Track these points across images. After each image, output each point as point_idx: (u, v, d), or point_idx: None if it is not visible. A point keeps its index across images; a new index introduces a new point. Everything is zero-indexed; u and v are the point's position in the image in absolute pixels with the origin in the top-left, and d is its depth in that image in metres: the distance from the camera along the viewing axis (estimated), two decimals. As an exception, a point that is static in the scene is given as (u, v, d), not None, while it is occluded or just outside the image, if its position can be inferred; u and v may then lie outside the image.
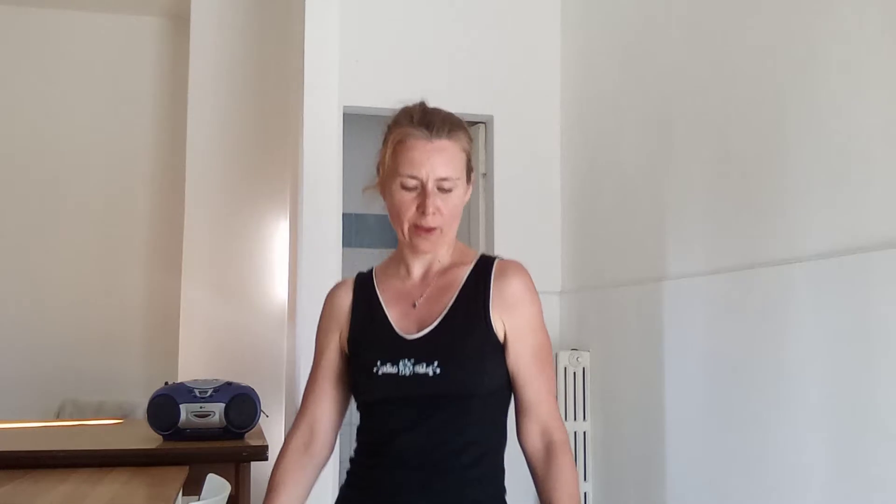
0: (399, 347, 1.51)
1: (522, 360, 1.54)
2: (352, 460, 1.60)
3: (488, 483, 1.53)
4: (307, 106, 3.11)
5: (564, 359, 3.48)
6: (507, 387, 1.56)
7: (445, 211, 1.52)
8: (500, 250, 3.64)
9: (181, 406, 2.47)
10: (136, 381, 4.53)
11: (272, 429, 3.10)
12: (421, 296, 1.57)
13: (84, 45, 4.89)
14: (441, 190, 1.51)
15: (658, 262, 3.05)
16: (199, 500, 2.05)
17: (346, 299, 1.64)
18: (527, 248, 3.66)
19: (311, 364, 1.67)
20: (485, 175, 3.85)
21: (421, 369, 1.47)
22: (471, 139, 1.60)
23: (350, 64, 3.43)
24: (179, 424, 2.47)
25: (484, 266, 1.58)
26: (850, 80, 2.21)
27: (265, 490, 1.60)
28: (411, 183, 1.51)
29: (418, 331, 1.53)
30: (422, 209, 1.50)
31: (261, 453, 2.41)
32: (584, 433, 3.49)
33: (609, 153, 3.51)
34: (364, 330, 1.59)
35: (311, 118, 3.09)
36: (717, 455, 2.68)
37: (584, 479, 3.47)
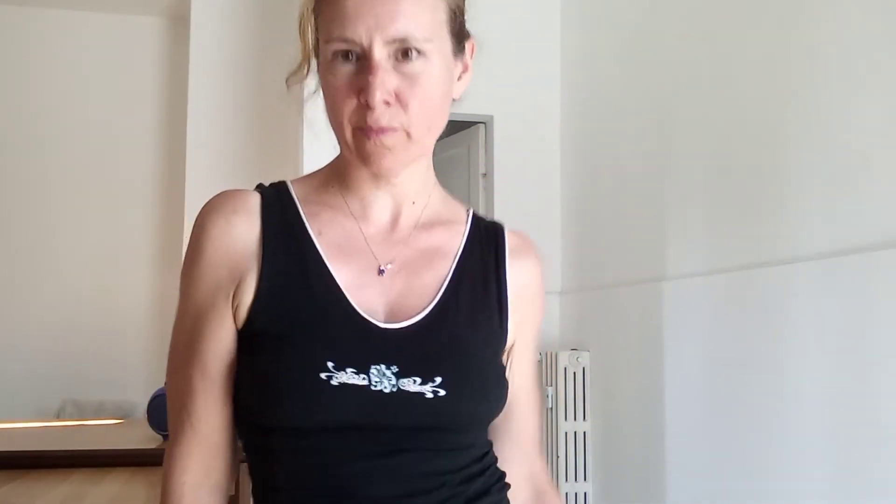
0: (368, 343, 0.87)
1: (526, 381, 1.02)
2: None
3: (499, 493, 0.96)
4: (307, 106, 3.11)
5: (564, 359, 3.48)
6: None
7: (411, 99, 0.87)
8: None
9: (181, 406, 2.48)
10: (136, 380, 4.54)
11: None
12: (391, 259, 0.93)
13: (84, 44, 4.90)
14: (400, 60, 0.87)
15: (658, 262, 3.05)
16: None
17: (249, 227, 0.93)
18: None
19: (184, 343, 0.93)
20: (485, 175, 3.85)
21: (411, 386, 0.85)
22: None
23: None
24: (179, 424, 2.47)
25: (490, 234, 1.01)
26: (849, 81, 2.21)
27: None
28: (343, 48, 0.88)
29: (397, 318, 0.90)
30: (364, 96, 0.86)
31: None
32: (584, 433, 3.49)
33: (609, 153, 3.51)
34: (288, 293, 0.90)
35: (311, 119, 3.09)
36: (717, 454, 2.68)
37: (585, 478, 3.47)
